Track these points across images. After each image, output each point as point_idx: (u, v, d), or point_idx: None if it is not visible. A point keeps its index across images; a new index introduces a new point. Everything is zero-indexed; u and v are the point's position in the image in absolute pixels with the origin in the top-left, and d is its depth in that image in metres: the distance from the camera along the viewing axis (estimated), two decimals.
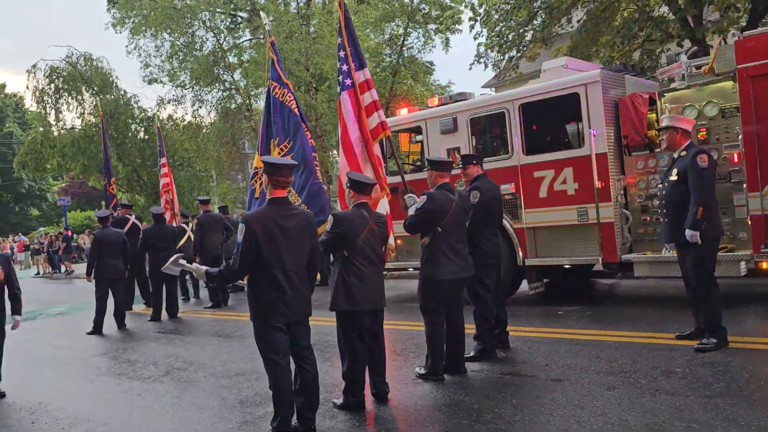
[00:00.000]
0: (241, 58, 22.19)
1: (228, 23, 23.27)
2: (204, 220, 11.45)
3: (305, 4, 22.35)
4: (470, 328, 5.78)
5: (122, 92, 23.77)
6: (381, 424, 4.52)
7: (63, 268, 25.38)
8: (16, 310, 6.27)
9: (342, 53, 6.62)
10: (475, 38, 13.98)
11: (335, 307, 4.89)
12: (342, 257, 4.87)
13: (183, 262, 4.61)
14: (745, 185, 6.78)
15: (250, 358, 6.89)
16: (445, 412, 4.59)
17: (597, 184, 7.50)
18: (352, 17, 6.65)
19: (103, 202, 30.58)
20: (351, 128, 6.39)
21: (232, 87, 21.56)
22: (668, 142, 5.84)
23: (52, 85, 22.88)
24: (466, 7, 14.30)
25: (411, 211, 5.62)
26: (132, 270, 10.85)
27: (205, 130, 23.06)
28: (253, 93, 21.75)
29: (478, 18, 14.14)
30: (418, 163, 9.83)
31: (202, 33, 21.89)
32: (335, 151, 22.13)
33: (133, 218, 12.01)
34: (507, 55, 13.95)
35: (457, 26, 21.93)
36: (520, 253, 8.21)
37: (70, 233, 26.51)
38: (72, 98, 23.16)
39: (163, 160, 13.69)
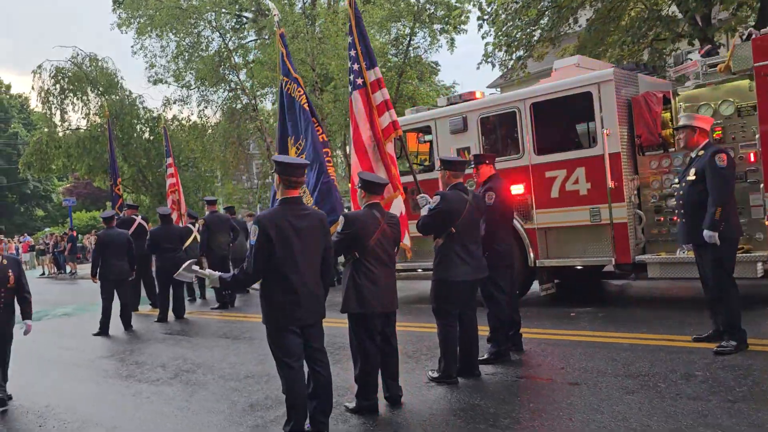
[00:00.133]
0: (247, 58, 22.15)
1: (233, 24, 23.24)
2: (210, 220, 11.39)
3: (310, 4, 22.30)
4: (483, 331, 5.68)
5: (127, 93, 23.78)
6: (395, 429, 4.43)
7: (68, 269, 25.36)
8: (27, 314, 6.16)
9: (353, 52, 6.55)
10: (483, 37, 13.89)
11: (346, 309, 4.80)
12: (353, 258, 4.78)
13: (196, 268, 4.51)
14: (762, 185, 6.67)
15: (259, 360, 6.81)
16: (460, 416, 4.49)
17: (610, 184, 7.39)
18: (353, 19, 6.55)
19: (108, 203, 30.63)
20: (362, 128, 6.32)
21: (238, 87, 21.51)
22: (685, 141, 5.73)
23: (58, 86, 22.89)
24: (474, 6, 14.21)
25: (423, 212, 5.54)
26: (138, 271, 10.77)
27: (210, 131, 23.01)
28: (258, 93, 21.70)
29: (486, 17, 14.07)
30: (427, 163, 9.74)
31: (207, 33, 21.85)
32: (339, 152, 22.05)
33: (139, 219, 11.96)
34: (515, 55, 13.85)
35: (463, 26, 21.89)
36: (532, 254, 8.11)
37: (75, 234, 26.49)
38: (77, 99, 23.18)
39: (170, 160, 13.63)
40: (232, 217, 12.71)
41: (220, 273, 4.39)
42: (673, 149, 7.37)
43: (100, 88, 23.10)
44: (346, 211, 5.72)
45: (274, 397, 5.34)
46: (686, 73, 7.51)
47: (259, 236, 4.02)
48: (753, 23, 11.85)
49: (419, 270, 9.80)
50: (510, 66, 14.47)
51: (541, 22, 13.72)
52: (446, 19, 21.80)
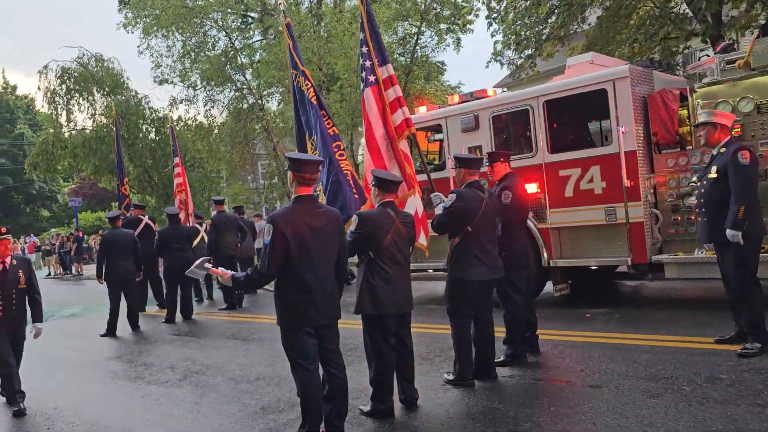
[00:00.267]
0: (252, 58, 22.05)
1: (239, 23, 23.15)
2: (218, 220, 11.29)
3: (317, 3, 22.20)
4: (499, 332, 5.56)
5: (133, 93, 23.72)
6: None
7: (74, 270, 25.33)
8: (37, 316, 6.05)
9: (365, 48, 6.43)
10: (492, 35, 13.78)
11: (360, 310, 4.69)
12: (367, 258, 4.67)
13: (209, 266, 4.39)
14: None
15: (269, 361, 6.71)
16: (479, 419, 4.37)
17: (626, 182, 7.26)
18: (364, 15, 6.45)
19: (113, 203, 30.58)
20: (375, 125, 6.20)
21: (244, 87, 21.42)
22: (706, 138, 5.60)
23: (64, 86, 22.83)
24: (483, 3, 14.07)
25: (438, 210, 5.43)
26: (145, 271, 10.68)
27: (216, 131, 22.93)
28: (265, 93, 21.61)
29: (495, 16, 13.94)
30: (436, 162, 9.62)
31: (214, 33, 21.77)
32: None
33: (146, 219, 11.87)
34: (525, 53, 13.71)
35: (469, 26, 21.76)
36: (545, 254, 7.98)
37: (81, 234, 26.46)
38: (83, 99, 23.12)
39: (177, 160, 13.54)
40: (240, 217, 12.61)
41: (232, 272, 4.27)
42: (691, 147, 7.24)
43: (106, 89, 23.05)
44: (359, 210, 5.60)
45: (286, 400, 5.24)
46: (703, 69, 7.36)
47: (274, 235, 3.90)
48: (764, 21, 11.70)
49: (430, 270, 9.68)
50: (519, 64, 14.31)
51: (550, 20, 13.58)
52: (452, 18, 21.69)
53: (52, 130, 23.94)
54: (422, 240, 5.83)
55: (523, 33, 13.40)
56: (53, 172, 26.08)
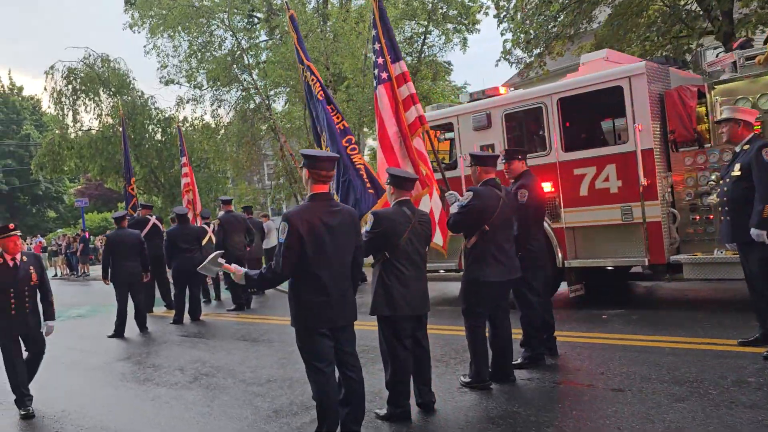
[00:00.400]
0: (259, 58, 21.98)
1: (245, 24, 23.08)
2: (226, 220, 11.18)
3: (323, 3, 22.12)
4: (516, 334, 5.43)
5: (139, 93, 23.67)
6: None
7: (81, 270, 25.31)
8: (50, 314, 5.92)
9: (377, 45, 6.34)
10: (502, 34, 13.64)
11: (375, 311, 4.58)
12: (383, 259, 4.55)
13: (222, 261, 4.26)
14: None
15: (280, 363, 6.60)
16: (499, 424, 4.25)
17: (643, 181, 7.11)
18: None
19: (119, 204, 30.53)
20: (388, 123, 6.10)
21: (251, 86, 21.33)
22: (728, 135, 5.46)
23: (70, 87, 22.79)
24: (492, 2, 13.94)
25: (453, 209, 5.31)
26: (152, 271, 10.59)
27: (222, 132, 22.85)
28: (272, 92, 21.53)
29: (504, 13, 13.82)
30: (446, 162, 9.49)
31: (220, 33, 21.70)
32: None
33: (153, 219, 11.78)
34: (534, 52, 13.58)
35: (476, 26, 21.65)
36: (560, 254, 7.85)
37: (87, 235, 26.44)
38: (89, 99, 23.08)
39: (184, 160, 13.45)
40: (249, 217, 12.49)
41: (246, 269, 4.15)
42: (709, 145, 7.10)
43: (112, 89, 23.01)
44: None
45: (299, 403, 5.13)
46: (721, 65, 7.22)
47: (289, 234, 3.78)
48: None
49: (441, 271, 9.55)
50: (530, 63, 14.18)
51: (559, 18, 13.45)
52: (459, 18, 21.57)
53: (58, 131, 23.92)
54: (438, 240, 5.70)
55: (533, 32, 13.27)
56: (60, 173, 26.03)
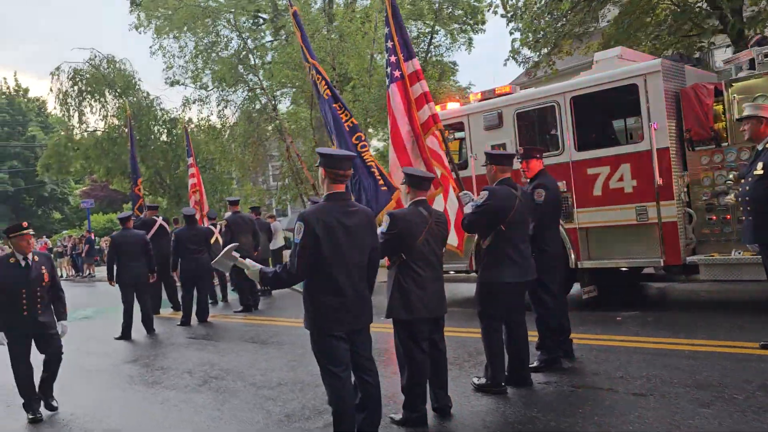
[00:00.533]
0: (264, 59, 21.93)
1: (250, 24, 23.04)
2: (233, 221, 11.08)
3: (328, 3, 22.07)
4: (532, 336, 5.31)
5: (145, 94, 23.65)
6: None
7: (87, 271, 25.29)
8: (62, 314, 5.79)
9: (389, 43, 6.24)
10: (510, 33, 13.53)
11: (392, 314, 4.48)
12: (399, 260, 4.45)
13: (236, 254, 4.14)
14: None
15: (290, 366, 6.50)
16: (518, 429, 4.14)
17: (658, 180, 6.99)
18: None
19: (124, 205, 30.52)
20: (401, 122, 6.00)
21: (257, 87, 21.27)
22: (750, 132, 5.35)
23: (76, 88, 22.81)
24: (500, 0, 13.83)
25: (468, 209, 5.20)
26: (159, 272, 10.50)
27: (227, 133, 22.80)
28: (278, 93, 21.46)
29: (511, 13, 13.70)
30: (456, 161, 9.38)
31: (226, 33, 21.66)
32: None
33: (160, 220, 11.71)
34: (543, 50, 13.46)
35: (482, 26, 21.57)
36: (572, 255, 7.73)
37: (93, 236, 26.41)
38: (95, 101, 23.08)
39: (191, 161, 13.37)
40: (257, 218, 12.39)
41: (261, 266, 4.04)
42: (726, 143, 6.97)
43: (118, 90, 23.00)
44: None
45: (312, 407, 5.03)
46: (739, 62, 7.10)
47: (305, 234, 3.68)
48: None
49: (451, 272, 9.44)
50: (538, 62, 14.05)
51: (566, 18, 13.33)
52: (465, 18, 21.49)
53: (63, 133, 23.93)
54: (452, 241, 5.59)
55: (542, 31, 13.15)
56: (65, 174, 26.08)
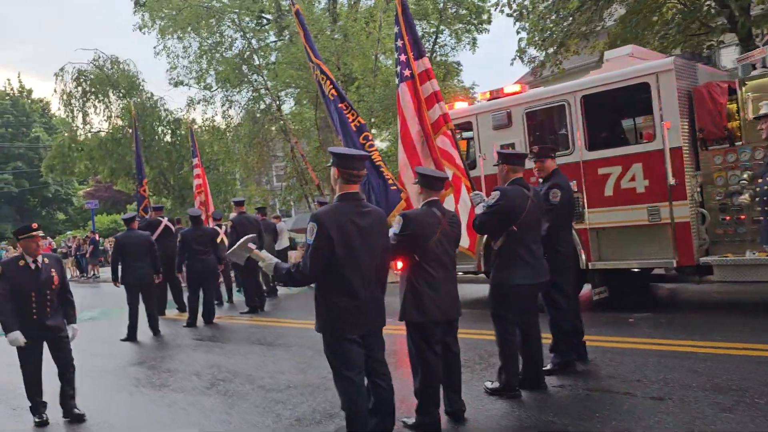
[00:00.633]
0: (268, 59, 21.88)
1: (254, 25, 22.98)
2: (238, 221, 11.01)
3: (332, 2, 22.00)
4: (545, 339, 5.23)
5: (149, 95, 23.60)
6: None
7: (91, 272, 25.26)
8: (72, 317, 5.66)
9: (399, 42, 6.15)
10: (517, 32, 13.44)
11: (404, 316, 4.40)
12: (412, 262, 4.37)
13: (253, 246, 4.07)
14: None
15: (299, 369, 6.42)
16: None
17: (671, 180, 6.90)
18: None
19: (128, 206, 30.49)
20: (411, 122, 5.91)
21: (261, 87, 21.21)
22: None
23: (80, 88, 22.75)
24: None
25: (479, 210, 5.12)
26: (164, 273, 10.44)
27: (231, 134, 22.74)
28: (283, 93, 21.39)
29: (516, 11, 13.61)
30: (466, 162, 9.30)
31: (230, 33, 21.60)
32: None
33: (165, 221, 11.65)
34: (550, 50, 13.36)
35: (486, 26, 21.46)
36: (583, 256, 7.64)
37: (97, 237, 26.39)
38: (99, 101, 23.03)
39: (196, 161, 13.31)
40: (263, 219, 12.32)
41: (277, 260, 3.96)
42: (740, 143, 6.87)
43: (122, 91, 22.96)
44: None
45: (322, 411, 4.95)
46: (753, 60, 7.00)
47: (318, 235, 3.60)
48: None
49: (459, 273, 9.34)
50: (545, 61, 13.96)
51: (572, 17, 13.24)
52: (469, 17, 21.39)
53: (67, 133, 23.88)
54: (464, 242, 5.49)
55: (548, 30, 13.06)
56: (70, 175, 26.04)
